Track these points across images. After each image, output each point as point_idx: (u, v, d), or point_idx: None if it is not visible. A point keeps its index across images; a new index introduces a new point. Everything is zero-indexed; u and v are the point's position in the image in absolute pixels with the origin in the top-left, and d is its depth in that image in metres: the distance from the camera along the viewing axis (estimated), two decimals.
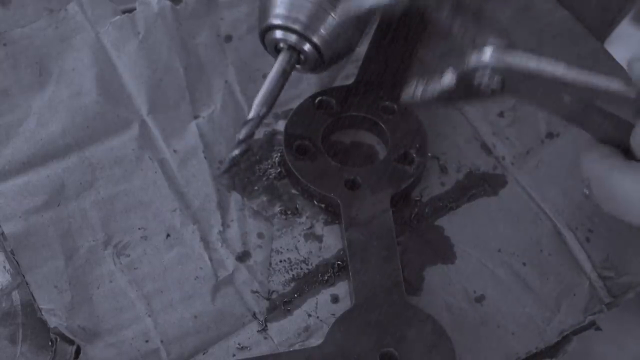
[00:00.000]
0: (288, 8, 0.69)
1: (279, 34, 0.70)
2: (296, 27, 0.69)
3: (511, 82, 0.63)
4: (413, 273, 0.70)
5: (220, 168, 0.72)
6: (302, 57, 0.71)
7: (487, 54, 0.62)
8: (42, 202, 0.70)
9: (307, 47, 0.70)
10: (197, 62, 0.78)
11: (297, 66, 0.72)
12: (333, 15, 0.69)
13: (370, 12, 0.70)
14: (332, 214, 0.72)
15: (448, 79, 0.63)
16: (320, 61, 0.72)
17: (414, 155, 0.73)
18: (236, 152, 0.70)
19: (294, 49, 0.71)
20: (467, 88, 0.63)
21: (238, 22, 0.80)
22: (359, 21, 0.71)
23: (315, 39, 0.70)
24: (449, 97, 0.65)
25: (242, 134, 0.69)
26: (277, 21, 0.70)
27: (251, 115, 0.69)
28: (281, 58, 0.71)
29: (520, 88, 0.63)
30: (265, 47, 0.72)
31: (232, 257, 0.70)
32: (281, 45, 0.71)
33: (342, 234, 0.71)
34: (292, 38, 0.70)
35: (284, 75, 0.71)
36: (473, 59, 0.62)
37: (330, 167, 0.73)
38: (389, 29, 0.79)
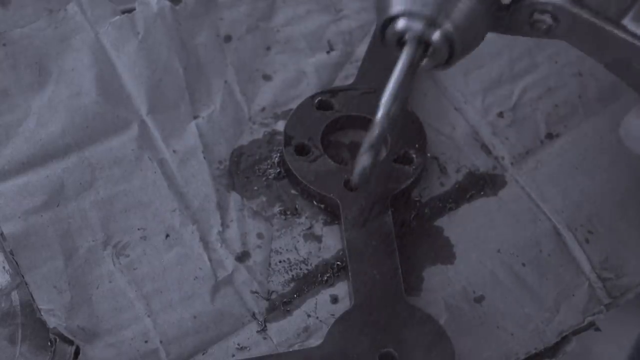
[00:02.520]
0: None
1: (402, 23, 0.60)
2: (425, 12, 0.60)
3: (565, 25, 0.63)
4: (413, 273, 0.70)
5: (352, 180, 0.64)
6: (429, 49, 0.61)
7: None
8: (42, 202, 0.70)
9: (436, 36, 0.61)
10: (196, 62, 0.78)
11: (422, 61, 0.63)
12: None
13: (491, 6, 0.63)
14: (332, 214, 0.72)
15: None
16: (449, 54, 0.62)
17: (414, 155, 0.73)
18: (366, 160, 0.61)
19: (420, 40, 0.61)
20: (522, 22, 0.63)
21: (238, 22, 0.80)
22: (489, 11, 0.62)
23: (447, 26, 0.60)
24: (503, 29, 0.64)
25: (373, 137, 0.61)
26: (400, 8, 0.60)
27: (380, 115, 0.61)
28: (407, 51, 0.61)
29: (571, 36, 0.64)
30: (385, 45, 0.63)
31: (231, 258, 0.70)
32: (406, 37, 0.61)
33: (341, 234, 0.71)
34: (419, 27, 0.60)
35: (411, 71, 0.61)
36: None
37: (330, 167, 0.73)
38: None
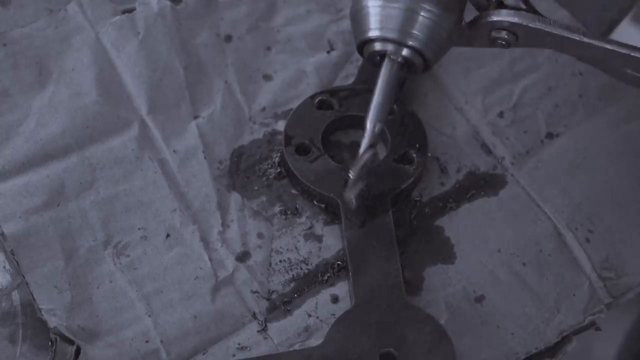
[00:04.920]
0: (379, 19, 0.67)
1: (376, 46, 0.68)
2: (391, 36, 0.67)
3: (525, 38, 0.67)
4: (413, 273, 0.70)
5: (349, 209, 0.70)
6: (405, 63, 0.69)
7: (505, 12, 0.67)
8: (42, 202, 0.70)
9: (406, 52, 0.68)
10: (197, 62, 0.78)
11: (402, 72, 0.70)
12: (424, 15, 0.67)
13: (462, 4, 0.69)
14: (332, 214, 0.72)
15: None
16: (425, 61, 0.69)
17: (414, 155, 0.73)
18: (352, 191, 0.69)
19: (393, 58, 0.68)
20: (482, 39, 0.68)
21: (238, 22, 0.80)
22: (453, 13, 0.68)
23: (412, 43, 0.67)
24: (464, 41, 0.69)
25: (362, 160, 0.67)
26: (371, 34, 0.67)
27: (366, 136, 0.67)
28: (384, 70, 0.68)
29: (532, 43, 0.68)
30: (368, 63, 0.71)
31: (232, 257, 0.70)
32: (378, 58, 0.69)
33: (342, 234, 0.71)
34: (390, 47, 0.68)
35: (391, 86, 0.68)
36: (492, 15, 0.67)
37: (330, 167, 0.73)
38: None
